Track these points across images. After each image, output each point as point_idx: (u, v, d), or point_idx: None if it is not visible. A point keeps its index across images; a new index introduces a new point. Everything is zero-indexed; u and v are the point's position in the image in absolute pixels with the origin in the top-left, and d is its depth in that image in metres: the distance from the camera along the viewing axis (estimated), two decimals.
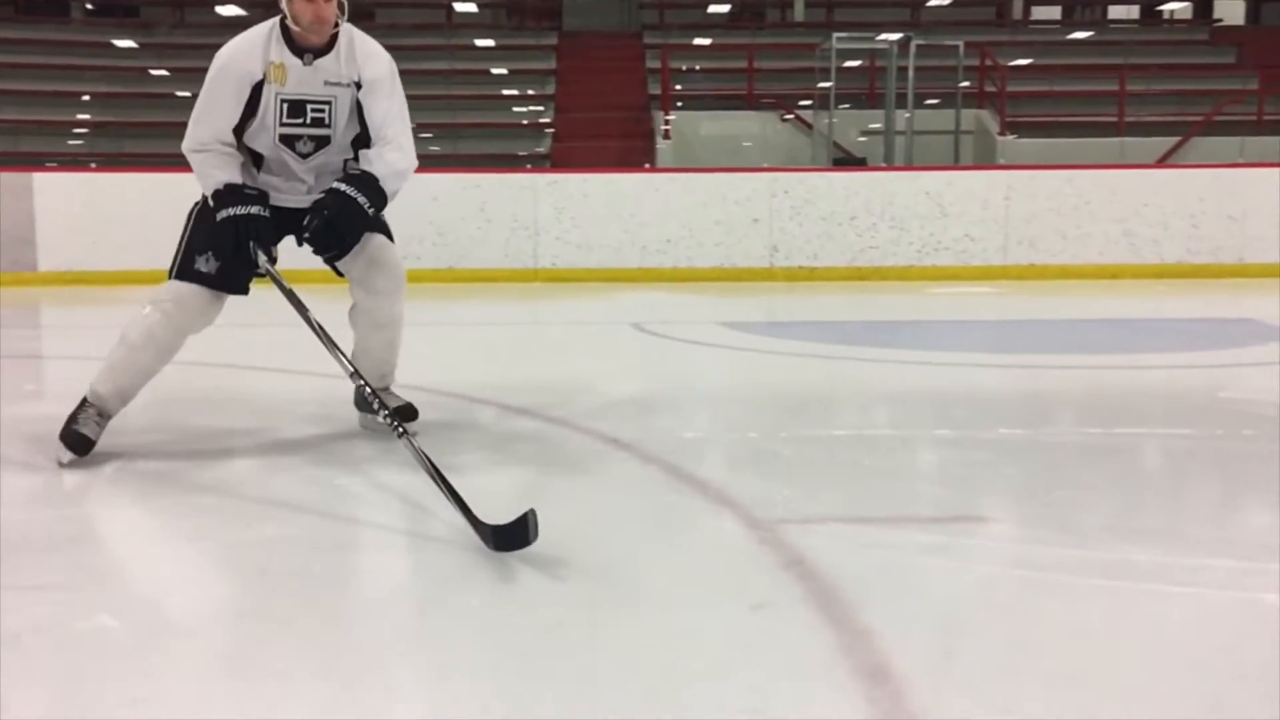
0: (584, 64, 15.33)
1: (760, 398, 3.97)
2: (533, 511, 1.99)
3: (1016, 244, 9.17)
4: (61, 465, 2.73)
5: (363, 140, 2.88)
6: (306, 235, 2.74)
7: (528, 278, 9.00)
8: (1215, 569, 2.02)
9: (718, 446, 3.22)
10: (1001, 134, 11.25)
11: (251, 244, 2.74)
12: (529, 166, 11.33)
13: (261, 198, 2.80)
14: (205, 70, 2.81)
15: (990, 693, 1.50)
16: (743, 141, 12.94)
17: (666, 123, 12.22)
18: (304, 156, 2.87)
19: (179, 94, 13.15)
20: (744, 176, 9.56)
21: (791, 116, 12.53)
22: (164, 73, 15.94)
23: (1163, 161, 10.44)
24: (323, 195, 2.77)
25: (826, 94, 12.02)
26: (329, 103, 2.82)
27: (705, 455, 3.05)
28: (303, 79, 2.79)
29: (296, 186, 2.90)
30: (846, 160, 11.85)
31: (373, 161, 2.80)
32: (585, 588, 1.93)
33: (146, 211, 7.76)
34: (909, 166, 10.70)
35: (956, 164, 10.88)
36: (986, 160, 11.09)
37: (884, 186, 9.46)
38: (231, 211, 2.74)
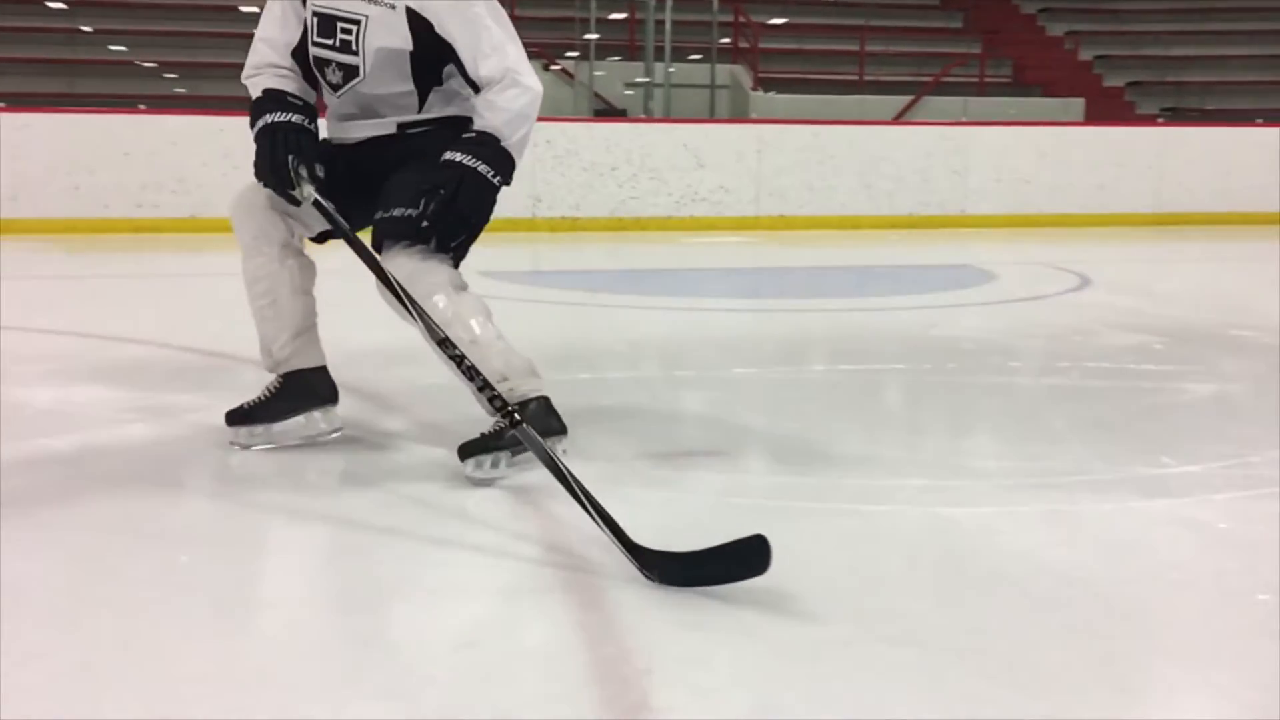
0: None
1: (516, 346, 3.99)
2: (761, 538, 1.60)
3: (768, 195, 9.58)
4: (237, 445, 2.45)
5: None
6: (425, 224, 2.17)
7: None
8: (907, 488, 2.23)
9: (457, 394, 3.21)
10: (754, 89, 11.67)
11: (291, 158, 2.18)
12: None
13: (307, 109, 2.28)
14: None
15: (685, 608, 1.59)
16: None
17: None
18: (334, 89, 2.31)
19: None
20: None
21: (558, 68, 12.49)
22: None
23: (897, 119, 11.16)
24: (437, 169, 2.17)
25: (589, 45, 12.06)
26: (358, 22, 2.22)
27: (444, 402, 3.04)
28: None
29: (349, 126, 2.35)
30: (608, 111, 11.97)
31: (482, 114, 2.20)
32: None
33: None
34: (667, 119, 10.92)
35: (712, 118, 11.20)
36: (740, 115, 11.49)
37: (644, 138, 9.63)
38: (269, 119, 2.22)
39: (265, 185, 2.25)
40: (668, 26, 11.10)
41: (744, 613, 1.56)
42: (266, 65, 2.33)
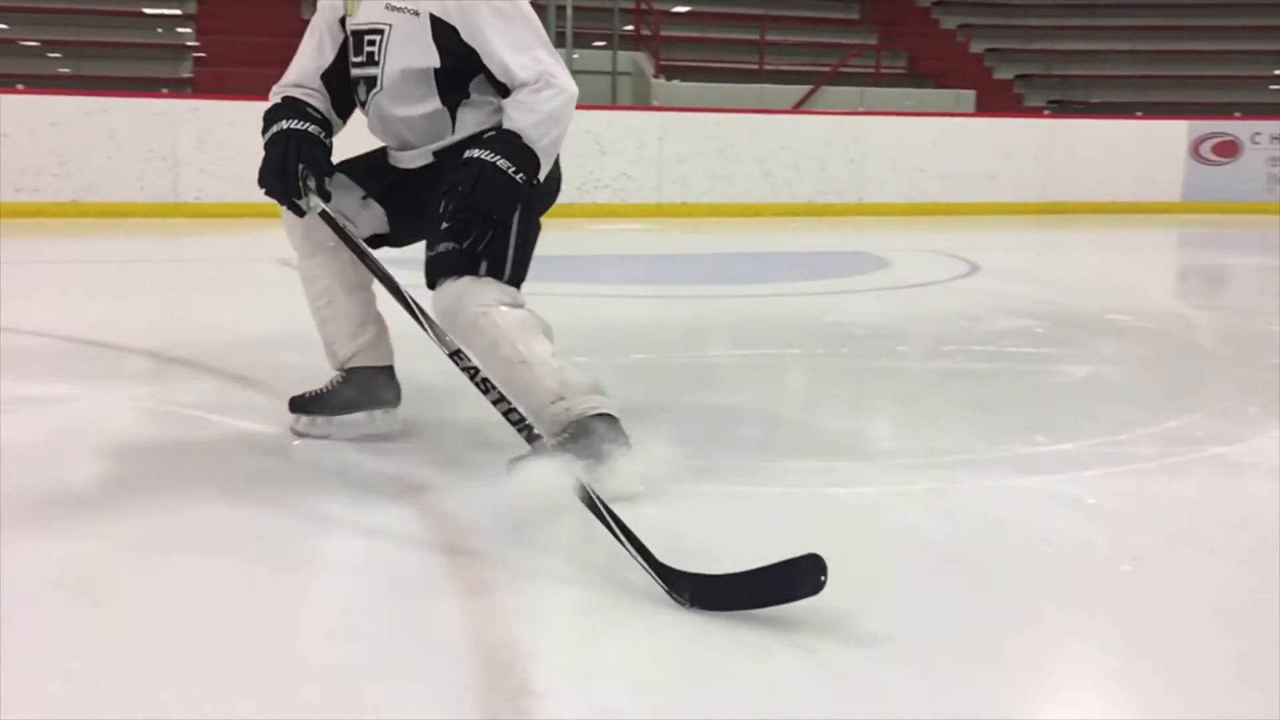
0: None
1: (413, 332, 3.94)
2: (815, 557, 1.49)
3: (670, 183, 9.63)
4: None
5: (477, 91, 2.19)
6: (445, 223, 2.08)
7: (168, 213, 8.32)
8: (796, 469, 2.27)
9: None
10: (656, 77, 11.68)
11: (301, 167, 2.09)
12: (165, 91, 10.38)
13: (325, 124, 2.21)
14: None
15: (573, 594, 1.60)
16: None
17: None
18: (362, 105, 2.26)
19: None
20: None
21: None
22: None
23: (797, 108, 11.30)
24: (458, 168, 2.08)
25: None
26: (381, 32, 2.15)
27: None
28: (371, 5, 2.18)
29: (396, 151, 2.29)
30: None
31: (510, 115, 2.09)
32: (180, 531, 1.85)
33: None
34: None
35: (614, 104, 11.19)
36: (642, 102, 11.49)
37: None
38: (282, 125, 2.14)
39: (268, 193, 2.13)
40: (569, 12, 11.03)
41: (630, 597, 1.57)
42: (293, 84, 2.27)
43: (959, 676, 1.38)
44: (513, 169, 2.04)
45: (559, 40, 11.83)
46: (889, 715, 1.28)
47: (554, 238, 8.72)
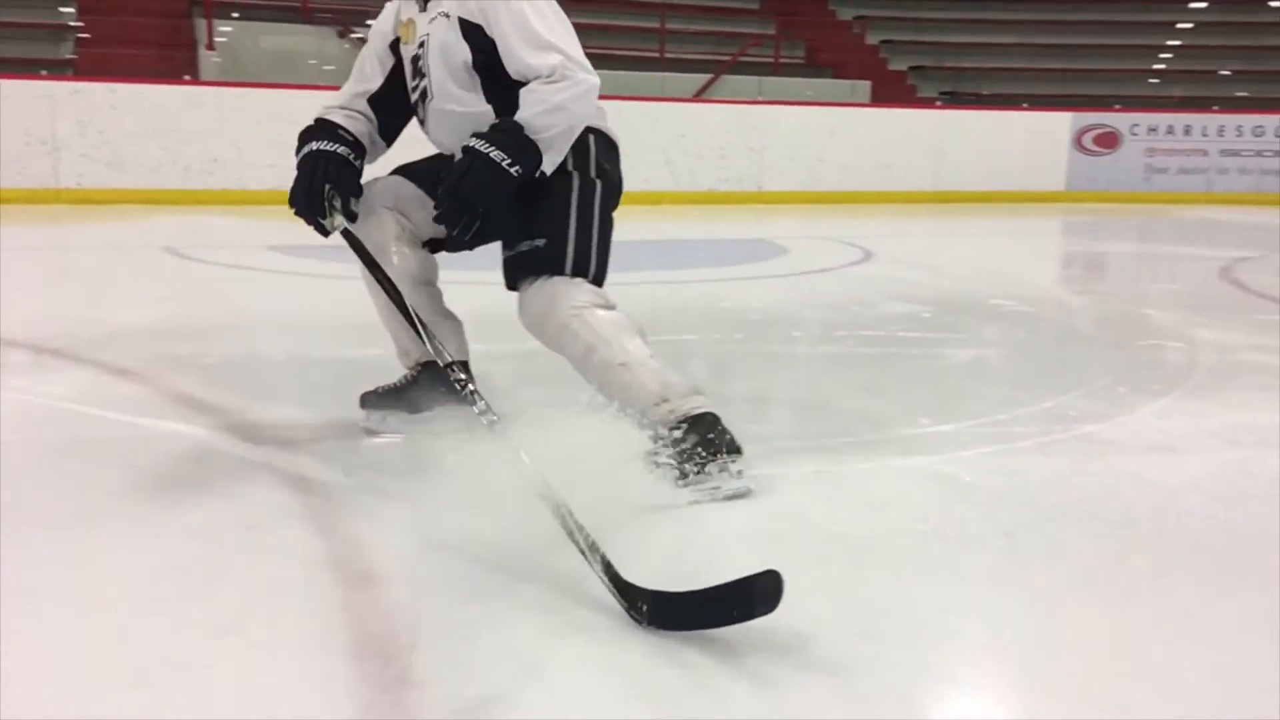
0: None
1: (303, 322, 3.87)
2: (773, 574, 1.38)
3: None
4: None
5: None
6: (435, 213, 2.05)
7: (48, 199, 7.98)
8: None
9: (239, 372, 3.09)
10: None
11: (327, 187, 2.10)
12: (44, 73, 9.94)
13: (357, 147, 2.21)
14: None
15: (456, 584, 1.60)
16: (308, 59, 12.27)
17: (219, 34, 11.26)
18: (422, 124, 2.27)
19: None
20: (300, 94, 9.09)
21: (357, 36, 12.06)
22: None
23: (697, 96, 11.37)
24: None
25: None
26: (424, 44, 2.18)
27: (224, 381, 2.92)
28: (421, 28, 2.19)
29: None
30: None
31: (520, 104, 2.04)
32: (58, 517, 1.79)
33: None
34: None
35: None
36: None
37: None
38: (313, 146, 2.16)
39: (296, 213, 2.15)
40: None
41: (513, 585, 1.57)
42: (338, 106, 2.29)
43: (836, 652, 1.41)
44: (506, 160, 1.99)
45: None
46: (766, 691, 1.30)
47: None
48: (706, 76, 11.84)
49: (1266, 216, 10.22)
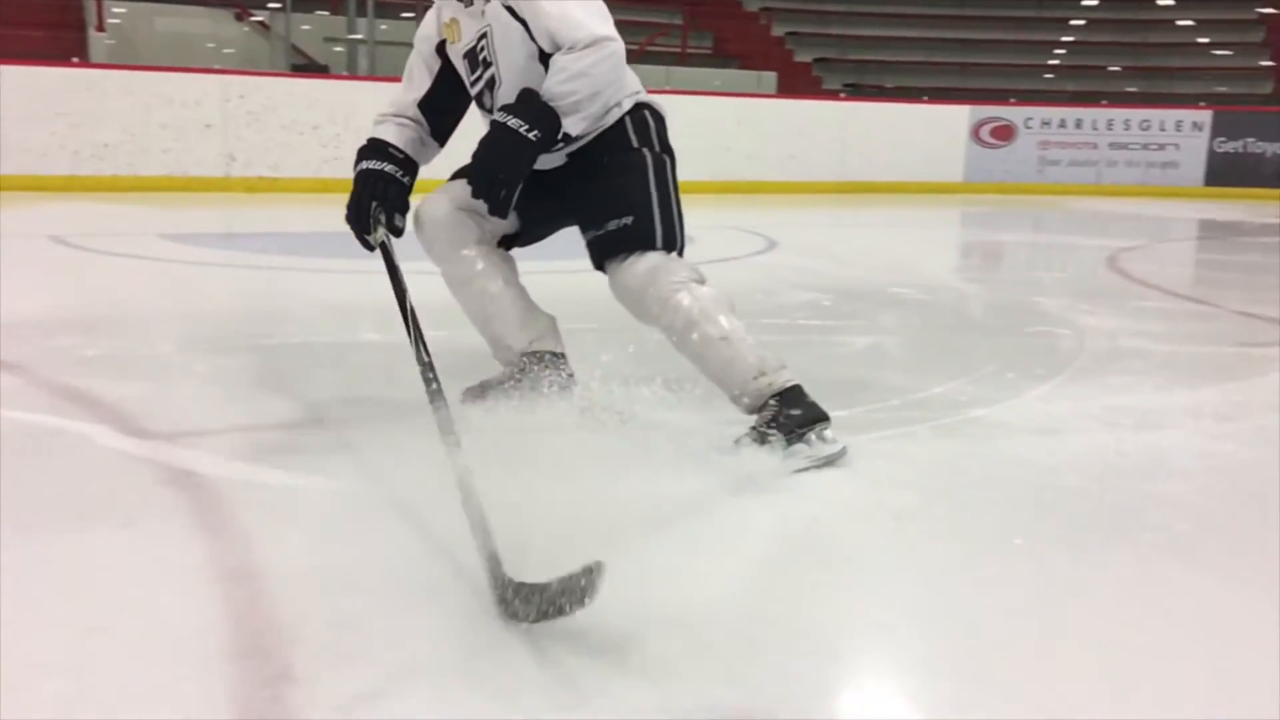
0: None
1: (192, 313, 3.76)
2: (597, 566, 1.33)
3: None
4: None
5: None
6: (470, 185, 2.11)
7: None
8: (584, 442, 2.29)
9: (124, 365, 2.99)
10: None
11: (374, 205, 2.20)
12: None
13: (406, 164, 2.29)
14: None
15: (338, 578, 1.57)
16: (206, 42, 11.91)
17: (113, 15, 10.85)
18: (490, 112, 2.28)
19: None
20: (193, 78, 8.83)
21: (256, 19, 11.75)
22: None
23: None
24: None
25: None
26: (485, 35, 2.22)
27: (107, 374, 2.82)
28: (469, 24, 2.25)
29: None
30: (309, 67, 11.41)
31: (546, 75, 2.13)
32: None
33: None
34: (374, 77, 10.56)
35: None
36: None
37: (348, 96, 9.27)
38: (364, 165, 2.27)
39: (350, 226, 2.25)
40: None
41: (399, 580, 1.55)
42: (391, 115, 2.37)
43: (724, 637, 1.43)
44: (524, 127, 2.06)
45: (360, 9, 11.48)
46: (661, 685, 1.31)
47: None
48: None
49: (1151, 208, 10.64)
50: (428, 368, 1.95)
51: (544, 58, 2.19)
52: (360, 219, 2.23)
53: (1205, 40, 18.30)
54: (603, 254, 2.24)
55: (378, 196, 2.23)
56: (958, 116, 11.58)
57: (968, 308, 4.51)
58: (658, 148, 2.32)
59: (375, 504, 1.76)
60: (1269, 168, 11.99)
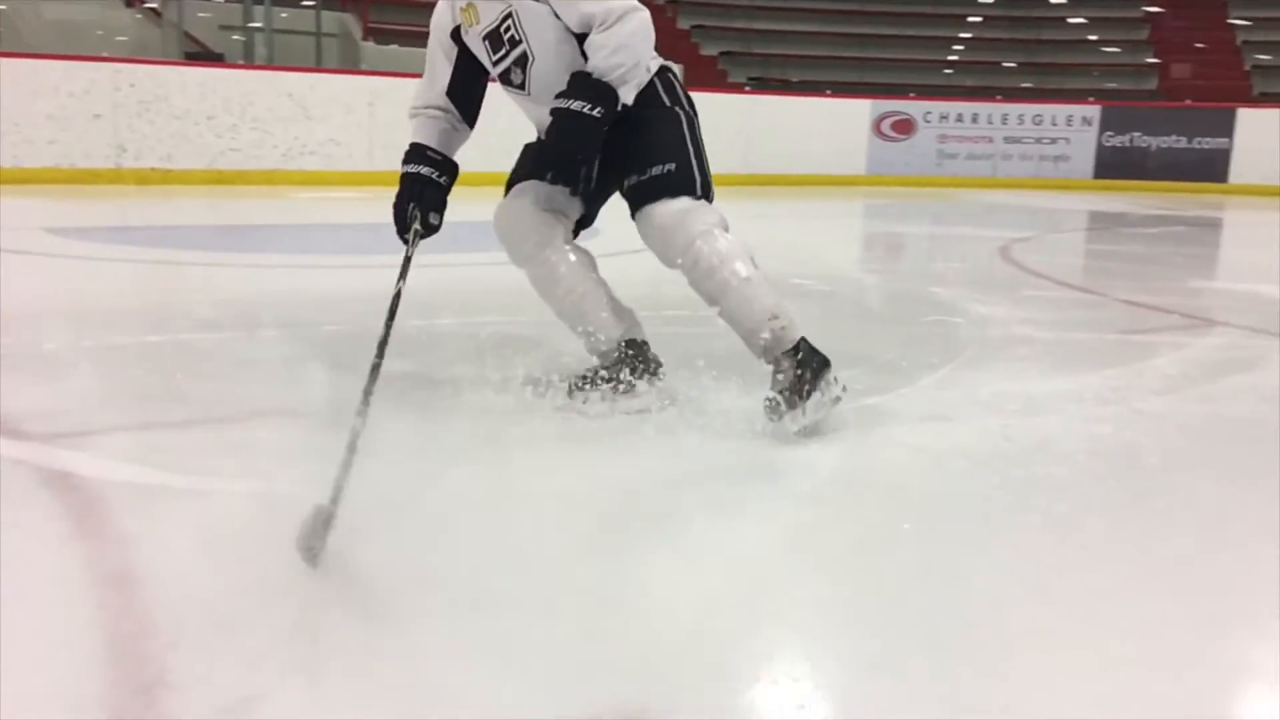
0: None
1: (80, 309, 3.63)
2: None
3: (382, 150, 9.36)
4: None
5: None
6: (547, 175, 2.33)
7: None
8: (475, 432, 2.28)
9: (3, 363, 2.87)
10: (365, 39, 11.29)
11: (411, 206, 2.37)
12: None
13: (445, 165, 2.44)
14: None
15: (219, 576, 1.54)
16: (95, 30, 11.47)
17: None
18: (521, 88, 2.44)
19: None
20: (80, 66, 8.51)
21: (147, 6, 11.35)
22: None
23: None
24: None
25: None
26: (510, 15, 2.35)
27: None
28: (488, 7, 2.36)
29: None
30: (203, 56, 11.08)
31: (587, 57, 2.29)
32: None
33: None
34: (270, 66, 10.30)
35: (320, 67, 10.72)
36: (350, 65, 11.08)
37: (243, 86, 9.04)
38: (406, 169, 2.43)
39: (395, 222, 2.41)
40: None
41: (278, 583, 1.51)
42: (423, 107, 2.50)
43: (614, 626, 1.43)
44: (587, 107, 2.24)
45: None
46: (539, 668, 1.31)
47: (256, 206, 8.34)
48: None
49: (1043, 200, 11.00)
50: (383, 344, 2.05)
51: (583, 44, 2.34)
52: (400, 219, 2.39)
53: (1094, 38, 18.96)
54: (644, 197, 2.39)
55: (414, 198, 2.38)
56: (860, 110, 11.80)
57: (867, 298, 4.60)
58: (688, 106, 2.52)
59: (259, 505, 1.72)
60: (1153, 161, 12.50)
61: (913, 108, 11.99)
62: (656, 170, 2.38)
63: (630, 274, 2.99)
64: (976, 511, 1.95)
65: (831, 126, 11.58)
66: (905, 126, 11.84)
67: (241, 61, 10.79)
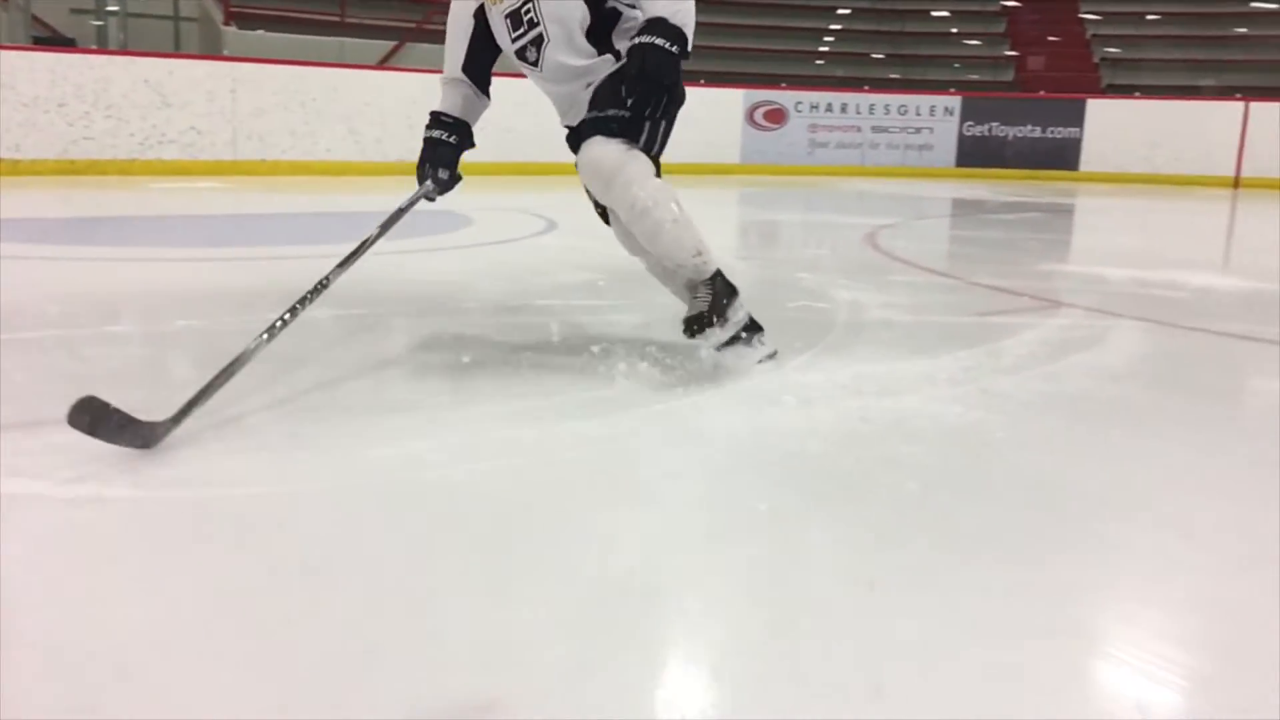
0: None
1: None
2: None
3: (246, 139, 9.07)
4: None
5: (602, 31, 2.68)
6: (628, 102, 2.48)
7: None
8: (362, 425, 2.25)
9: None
10: (226, 24, 10.90)
11: (426, 165, 2.84)
12: None
13: (457, 126, 2.88)
14: None
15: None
16: None
17: None
18: (535, 65, 2.74)
19: None
20: None
21: None
22: None
23: (382, 64, 11.05)
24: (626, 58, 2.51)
25: None
26: None
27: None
28: None
29: (567, 112, 2.85)
30: (53, 40, 10.54)
31: (646, 9, 2.51)
32: None
33: None
34: (126, 51, 9.87)
35: (179, 52, 10.32)
36: (211, 51, 10.70)
37: (97, 72, 8.65)
38: (426, 133, 2.88)
39: (418, 181, 2.89)
40: None
41: (111, 580, 1.48)
42: (447, 79, 2.91)
43: (506, 616, 1.45)
44: (669, 44, 2.44)
45: None
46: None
47: (110, 198, 8.06)
48: (391, 44, 11.54)
49: (907, 188, 11.36)
50: (322, 287, 2.49)
51: (593, 20, 2.63)
52: (420, 172, 2.86)
53: (956, 30, 19.64)
54: (590, 130, 2.62)
55: (429, 157, 2.84)
56: (733, 100, 11.97)
57: (737, 284, 4.67)
58: (677, 90, 2.64)
59: (97, 506, 1.67)
60: (1010, 150, 13.03)
61: (784, 98, 12.22)
62: (611, 112, 2.59)
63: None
64: (829, 492, 2.01)
65: (706, 116, 11.71)
66: (777, 116, 12.06)
67: (95, 46, 10.30)
